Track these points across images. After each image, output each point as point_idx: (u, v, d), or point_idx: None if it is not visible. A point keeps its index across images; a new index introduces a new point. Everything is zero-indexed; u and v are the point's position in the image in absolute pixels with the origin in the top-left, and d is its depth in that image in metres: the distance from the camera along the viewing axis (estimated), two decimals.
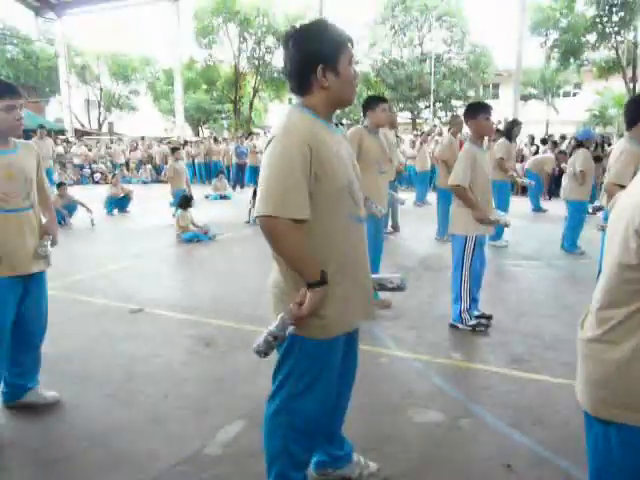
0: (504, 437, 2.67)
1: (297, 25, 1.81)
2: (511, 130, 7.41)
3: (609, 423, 1.37)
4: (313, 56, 1.73)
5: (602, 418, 1.39)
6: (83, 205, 9.51)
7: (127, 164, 19.61)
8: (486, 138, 4.73)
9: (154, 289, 5.43)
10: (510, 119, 10.21)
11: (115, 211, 10.95)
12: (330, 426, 2.14)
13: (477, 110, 4.03)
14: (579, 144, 7.02)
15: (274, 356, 1.94)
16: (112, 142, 22.26)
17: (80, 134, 25.98)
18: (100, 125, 32.76)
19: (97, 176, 18.39)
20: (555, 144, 13.11)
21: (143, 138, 22.32)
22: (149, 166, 19.32)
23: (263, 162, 1.72)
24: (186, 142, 20.46)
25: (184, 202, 7.98)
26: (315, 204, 1.71)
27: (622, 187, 3.78)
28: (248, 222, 9.25)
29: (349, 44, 1.79)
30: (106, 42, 31.24)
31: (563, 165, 11.57)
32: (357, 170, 1.93)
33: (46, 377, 3.16)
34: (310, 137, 1.69)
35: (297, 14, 27.75)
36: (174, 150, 9.73)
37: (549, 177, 11.69)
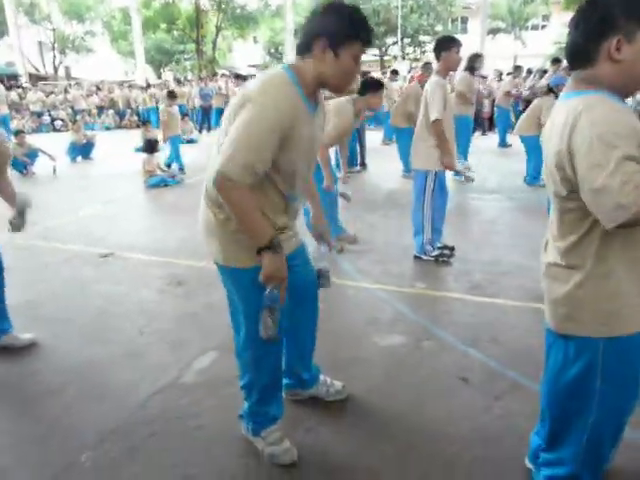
0: (462, 354, 2.87)
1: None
2: (473, 63, 7.41)
3: (569, 338, 1.53)
4: (321, 28, 1.71)
5: (563, 333, 1.54)
6: (45, 153, 9.23)
7: (89, 110, 18.89)
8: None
9: (123, 234, 5.43)
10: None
11: (79, 158, 10.68)
12: (301, 345, 2.29)
13: (450, 43, 4.03)
14: (550, 89, 7.06)
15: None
16: (70, 87, 21.30)
17: (35, 79, 24.75)
18: (56, 69, 31.16)
19: (58, 123, 17.72)
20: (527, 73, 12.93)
21: (102, 82, 21.42)
22: (111, 111, 18.68)
23: (239, 121, 1.65)
24: (149, 85, 19.77)
25: (149, 146, 7.83)
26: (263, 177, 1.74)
27: None
28: None
29: (360, 42, 1.73)
30: None
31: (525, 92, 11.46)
32: (315, 150, 1.95)
33: (20, 321, 3.22)
34: (289, 115, 1.67)
35: None
36: (171, 94, 9.27)
37: (514, 99, 11.46)
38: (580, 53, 1.40)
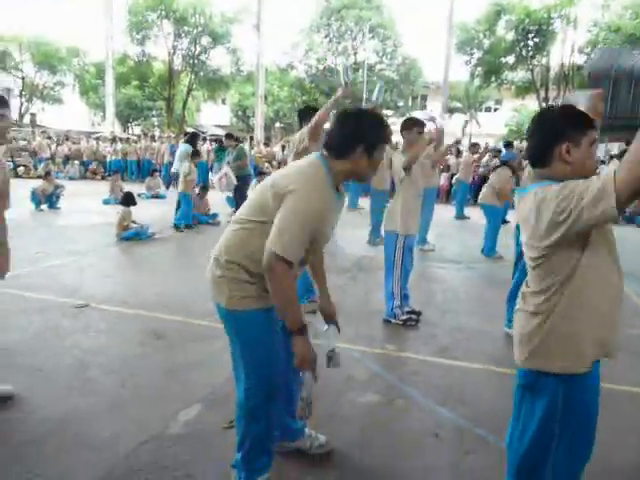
0: (433, 413, 3.08)
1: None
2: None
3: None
4: (360, 136, 2.04)
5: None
6: None
7: (52, 158, 18.84)
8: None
9: (98, 285, 5.47)
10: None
11: (44, 207, 10.62)
12: (290, 395, 2.43)
13: (411, 124, 4.49)
14: (503, 163, 7.76)
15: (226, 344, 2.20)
16: (35, 134, 21.26)
17: None
18: (22, 116, 31.00)
19: (21, 169, 17.58)
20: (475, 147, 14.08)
21: (69, 132, 21.49)
22: (77, 162, 18.68)
23: (287, 209, 1.92)
24: (114, 138, 19.97)
25: (128, 199, 7.99)
26: None
27: None
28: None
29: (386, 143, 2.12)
30: (31, 28, 29.75)
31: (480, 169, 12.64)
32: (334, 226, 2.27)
33: None
34: (326, 204, 2.00)
35: (234, 16, 27.80)
36: (195, 153, 9.58)
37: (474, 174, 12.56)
38: (538, 156, 1.79)
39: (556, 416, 1.75)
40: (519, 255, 5.02)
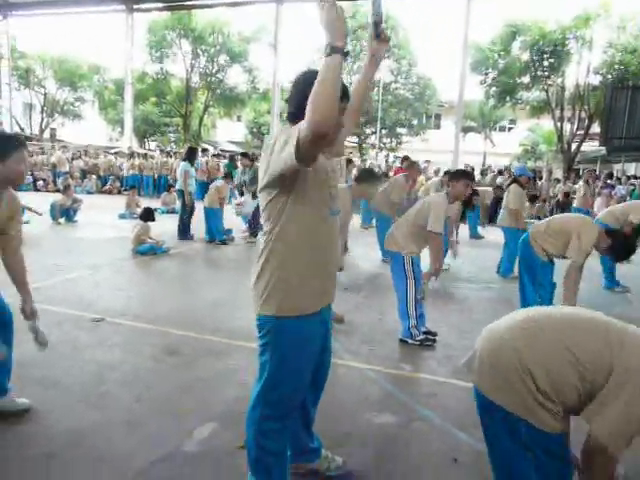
0: (451, 436, 3.03)
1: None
2: (471, 198, 8.17)
3: None
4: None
5: None
6: (31, 210, 9.39)
7: (71, 173, 19.13)
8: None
9: (113, 299, 5.50)
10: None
11: (62, 220, 10.75)
12: (306, 414, 2.41)
13: (460, 176, 4.52)
14: (514, 179, 7.70)
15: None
16: (55, 149, 21.63)
17: None
18: (42, 131, 31.61)
19: (40, 183, 17.89)
20: (498, 173, 14.03)
21: (88, 146, 21.86)
22: (94, 176, 18.94)
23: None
24: (132, 154, 20.22)
25: (148, 215, 8.08)
26: (302, 196, 1.97)
27: None
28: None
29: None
30: (53, 46, 30.47)
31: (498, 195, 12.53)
32: (336, 176, 2.21)
33: (13, 382, 3.23)
34: None
35: (251, 35, 28.23)
36: (228, 175, 10.45)
37: (488, 208, 12.51)
38: None
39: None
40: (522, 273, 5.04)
